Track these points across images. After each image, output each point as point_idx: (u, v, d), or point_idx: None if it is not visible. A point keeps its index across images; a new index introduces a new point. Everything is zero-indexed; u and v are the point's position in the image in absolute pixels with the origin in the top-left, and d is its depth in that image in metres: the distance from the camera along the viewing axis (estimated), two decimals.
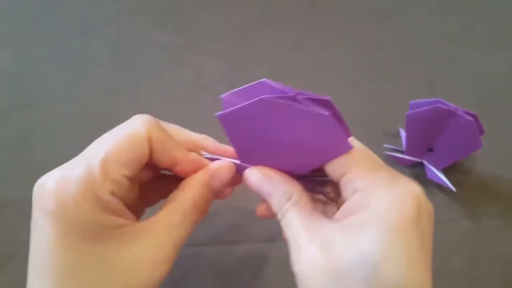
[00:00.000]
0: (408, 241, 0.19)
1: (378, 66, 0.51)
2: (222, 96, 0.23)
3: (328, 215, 0.24)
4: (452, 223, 0.39)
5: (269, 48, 0.53)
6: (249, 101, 0.22)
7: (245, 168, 0.26)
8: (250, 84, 0.23)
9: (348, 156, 0.22)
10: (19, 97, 0.49)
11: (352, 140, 0.23)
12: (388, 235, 0.19)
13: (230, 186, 0.28)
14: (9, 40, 0.55)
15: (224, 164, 0.25)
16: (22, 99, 0.49)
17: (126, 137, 0.22)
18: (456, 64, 0.51)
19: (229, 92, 0.23)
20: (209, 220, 0.39)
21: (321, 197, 0.28)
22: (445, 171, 0.40)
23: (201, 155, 0.26)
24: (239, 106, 0.22)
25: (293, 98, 0.21)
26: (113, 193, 0.21)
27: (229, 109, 0.22)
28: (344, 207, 0.22)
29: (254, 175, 0.25)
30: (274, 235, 0.38)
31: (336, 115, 0.22)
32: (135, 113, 0.25)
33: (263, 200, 0.26)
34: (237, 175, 0.26)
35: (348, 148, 0.22)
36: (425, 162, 0.41)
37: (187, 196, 0.24)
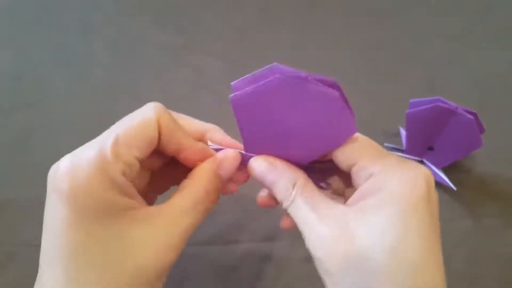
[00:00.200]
0: (421, 219, 0.20)
1: (378, 66, 0.51)
2: (232, 83, 0.24)
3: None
4: (452, 222, 0.39)
5: (269, 48, 0.53)
6: (263, 81, 0.22)
7: (249, 158, 0.26)
8: (260, 69, 0.23)
9: (357, 145, 0.23)
10: (19, 97, 0.49)
11: (357, 135, 0.24)
12: (403, 215, 0.20)
13: (235, 183, 0.28)
14: (9, 40, 0.55)
15: (230, 153, 0.26)
16: (22, 99, 0.49)
17: (136, 121, 0.23)
18: (456, 64, 0.51)
19: (239, 79, 0.24)
20: (210, 220, 0.39)
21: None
22: (445, 170, 0.40)
23: (207, 145, 0.27)
24: (253, 87, 0.23)
25: (305, 78, 0.22)
26: (124, 174, 0.22)
27: (242, 91, 0.23)
28: (357, 193, 0.23)
29: (259, 164, 0.25)
30: (275, 234, 0.38)
31: (343, 97, 0.23)
32: None
33: (268, 189, 0.26)
34: (242, 173, 0.27)
35: (353, 131, 0.23)
36: (425, 161, 0.41)
37: (198, 184, 0.24)
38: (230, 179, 0.27)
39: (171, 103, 0.50)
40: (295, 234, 0.38)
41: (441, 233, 0.38)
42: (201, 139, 0.27)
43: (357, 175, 0.23)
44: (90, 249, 0.21)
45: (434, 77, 0.50)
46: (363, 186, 0.22)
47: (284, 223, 0.27)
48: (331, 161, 0.25)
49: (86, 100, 0.48)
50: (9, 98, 0.49)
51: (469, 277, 0.36)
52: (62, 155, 0.24)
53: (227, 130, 0.30)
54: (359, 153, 0.23)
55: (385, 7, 0.57)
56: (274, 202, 0.27)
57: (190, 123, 0.27)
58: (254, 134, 0.25)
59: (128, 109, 0.27)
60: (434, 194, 0.22)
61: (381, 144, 0.43)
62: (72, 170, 0.21)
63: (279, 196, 0.24)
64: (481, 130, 0.38)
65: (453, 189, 0.39)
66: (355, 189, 0.23)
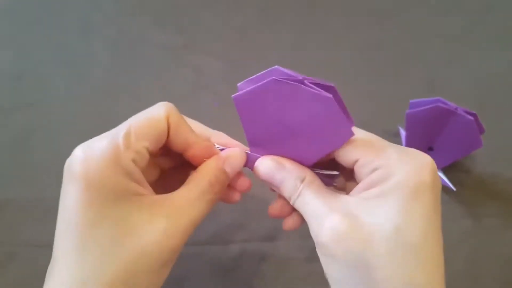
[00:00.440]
0: (425, 204, 0.22)
1: (378, 66, 0.51)
2: (238, 84, 0.25)
3: None
4: (452, 222, 0.39)
5: (269, 48, 0.53)
6: (261, 83, 0.23)
7: (254, 159, 0.27)
8: (263, 71, 0.24)
9: (359, 142, 0.24)
10: (19, 97, 0.49)
11: (355, 129, 0.24)
12: (408, 200, 0.21)
13: (238, 191, 0.29)
14: (9, 40, 0.55)
15: (236, 150, 0.27)
16: (22, 99, 0.49)
17: (147, 115, 0.25)
18: (456, 64, 0.51)
19: (245, 80, 0.25)
20: (210, 219, 0.39)
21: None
22: (445, 170, 0.40)
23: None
24: (252, 87, 0.24)
25: (301, 81, 0.23)
26: (134, 162, 0.23)
27: (243, 91, 0.24)
28: (361, 184, 0.24)
29: (267, 163, 0.26)
30: (274, 233, 0.38)
31: (339, 102, 0.23)
32: (135, 113, 0.26)
33: (275, 188, 0.27)
34: (245, 180, 0.28)
35: (349, 135, 0.24)
36: None
37: (202, 177, 0.26)
38: (233, 187, 0.29)
39: (171, 103, 0.50)
40: (295, 234, 0.38)
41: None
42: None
43: (361, 170, 0.24)
44: (99, 227, 0.22)
45: (434, 77, 0.50)
46: (367, 179, 0.23)
47: (287, 224, 0.28)
48: (332, 159, 0.26)
49: (86, 100, 0.48)
50: (9, 98, 0.49)
51: (469, 277, 0.36)
52: (62, 155, 0.24)
53: (227, 130, 0.30)
54: (362, 150, 0.24)
55: (385, 7, 0.57)
56: (286, 213, 0.28)
57: (197, 127, 0.28)
58: (257, 133, 0.26)
59: (128, 109, 0.27)
60: (438, 180, 0.23)
61: None
62: (85, 154, 0.23)
63: (287, 192, 0.25)
64: (481, 130, 0.38)
65: (452, 189, 0.39)
66: (357, 183, 0.24)
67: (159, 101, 0.26)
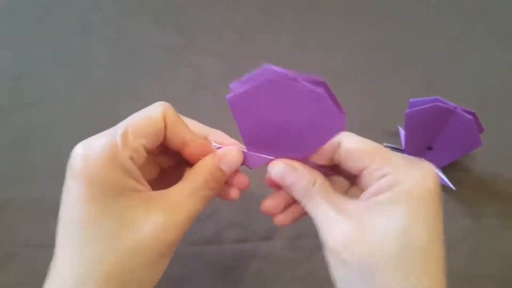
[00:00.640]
0: (429, 212, 0.23)
1: (378, 66, 0.51)
2: (230, 85, 0.25)
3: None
4: (451, 221, 0.39)
5: (269, 48, 0.53)
6: (255, 83, 0.24)
7: (251, 157, 0.27)
8: (254, 72, 0.24)
9: (368, 151, 0.25)
10: (19, 97, 0.49)
11: (361, 139, 0.25)
12: (414, 208, 0.22)
13: (236, 188, 0.29)
14: (9, 40, 0.55)
15: (233, 149, 0.28)
16: (22, 99, 0.49)
17: (144, 114, 0.26)
18: (456, 64, 0.51)
19: (236, 81, 0.25)
20: (209, 220, 0.39)
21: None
22: (445, 170, 0.40)
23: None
24: (246, 89, 0.24)
25: (294, 78, 0.23)
26: (132, 159, 0.24)
27: (237, 92, 0.24)
28: (370, 190, 0.24)
29: (279, 167, 0.27)
30: (274, 233, 0.38)
31: (330, 95, 0.24)
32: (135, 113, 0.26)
33: (286, 190, 0.27)
34: (243, 177, 0.29)
35: (342, 126, 0.24)
36: (424, 160, 0.41)
37: (198, 174, 0.26)
38: (231, 184, 0.29)
39: (171, 103, 0.50)
40: (294, 234, 0.38)
41: None
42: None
43: (369, 176, 0.25)
44: (99, 222, 0.23)
45: (434, 77, 0.50)
46: (375, 185, 0.24)
47: (278, 219, 0.28)
48: (336, 166, 0.27)
49: (86, 100, 0.48)
50: (9, 98, 0.49)
51: (469, 276, 0.36)
52: (62, 155, 0.24)
53: (227, 130, 0.30)
54: (369, 158, 0.25)
55: (385, 7, 0.57)
56: (279, 210, 0.28)
57: (195, 126, 0.29)
58: (252, 132, 0.26)
59: (128, 109, 0.27)
60: (439, 187, 0.24)
61: (381, 143, 0.43)
62: (84, 151, 0.24)
63: (298, 195, 0.26)
64: (480, 129, 0.38)
65: (452, 188, 0.39)
66: (362, 189, 0.25)
67: (159, 101, 0.26)
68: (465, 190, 0.40)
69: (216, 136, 0.29)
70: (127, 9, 0.58)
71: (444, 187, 0.39)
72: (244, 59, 0.52)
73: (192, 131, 0.27)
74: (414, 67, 0.51)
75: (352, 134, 0.26)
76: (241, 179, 0.29)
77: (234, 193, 0.30)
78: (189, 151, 0.27)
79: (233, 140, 0.29)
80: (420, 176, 0.23)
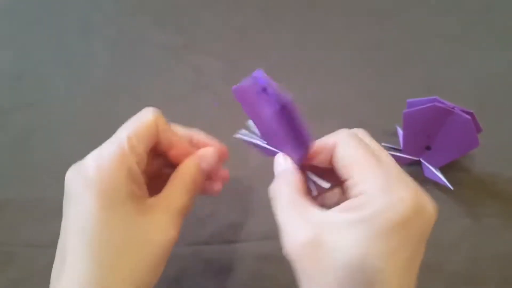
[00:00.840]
0: (389, 243, 0.21)
1: (378, 66, 0.51)
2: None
3: (326, 202, 0.27)
4: (450, 221, 0.39)
5: (269, 48, 0.53)
6: (240, 84, 0.25)
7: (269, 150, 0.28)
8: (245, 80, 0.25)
9: (351, 160, 0.24)
10: (19, 97, 0.49)
11: (356, 144, 0.25)
12: (374, 238, 0.21)
13: (219, 180, 0.33)
14: (9, 40, 0.55)
15: (209, 150, 0.31)
16: (22, 99, 0.49)
17: (141, 120, 0.27)
18: (456, 64, 0.51)
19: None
20: (208, 219, 0.39)
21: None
22: (444, 170, 0.40)
23: (237, 134, 0.30)
24: (239, 84, 0.26)
25: (263, 88, 0.24)
26: (138, 165, 0.26)
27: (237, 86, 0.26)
28: (343, 205, 0.23)
29: (277, 158, 0.28)
30: (273, 233, 0.37)
31: (289, 114, 0.24)
32: (135, 113, 0.27)
33: None
34: (223, 171, 0.32)
35: (309, 141, 0.25)
36: (422, 160, 0.41)
37: (184, 174, 0.29)
38: (213, 178, 0.32)
39: (171, 103, 0.51)
40: None
41: (440, 232, 0.38)
42: (189, 142, 0.31)
43: (350, 189, 0.24)
44: (113, 230, 0.24)
45: (434, 77, 0.50)
46: (348, 202, 0.23)
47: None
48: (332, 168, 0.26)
49: (86, 100, 0.48)
50: (9, 98, 0.49)
51: (468, 275, 0.36)
52: (62, 155, 0.24)
53: (227, 130, 0.30)
54: (356, 169, 0.24)
55: (385, 7, 0.57)
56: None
57: (178, 129, 0.31)
58: (259, 126, 0.28)
59: (128, 109, 0.27)
60: (419, 217, 0.22)
61: (379, 143, 0.43)
62: (97, 162, 0.25)
63: (272, 189, 0.26)
64: (478, 129, 0.38)
65: (450, 188, 0.39)
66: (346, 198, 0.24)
67: (159, 101, 0.27)
68: (465, 190, 0.40)
69: (197, 135, 0.32)
70: (127, 9, 0.58)
71: (443, 187, 0.39)
72: (244, 59, 0.52)
73: (177, 134, 0.30)
74: (414, 67, 0.51)
75: (352, 136, 0.25)
76: (222, 173, 0.33)
77: (217, 186, 0.33)
78: (175, 152, 0.29)
79: (212, 141, 0.32)
80: (391, 203, 0.21)
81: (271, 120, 0.24)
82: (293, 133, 0.24)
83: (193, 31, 0.55)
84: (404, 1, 0.58)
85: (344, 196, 0.27)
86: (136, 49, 0.53)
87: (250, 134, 0.30)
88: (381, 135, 0.44)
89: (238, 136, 0.30)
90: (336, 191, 0.28)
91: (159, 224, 0.26)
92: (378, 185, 0.22)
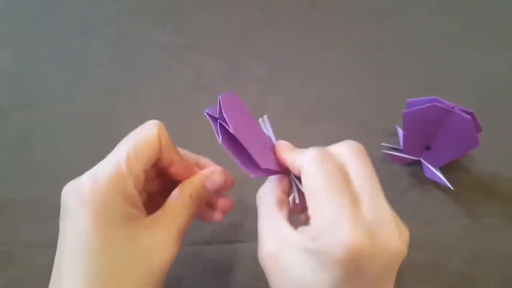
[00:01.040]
0: (335, 280, 0.21)
1: (378, 66, 0.51)
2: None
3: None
4: (450, 221, 0.39)
5: (269, 48, 0.53)
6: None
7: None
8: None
9: (309, 189, 0.24)
10: (19, 97, 0.49)
11: (316, 171, 0.24)
12: (322, 272, 0.21)
13: (221, 211, 0.32)
14: (9, 40, 0.55)
15: (217, 169, 0.30)
16: (22, 99, 0.49)
17: (143, 137, 0.27)
18: (456, 64, 0.51)
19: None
20: None
21: None
22: (444, 170, 0.40)
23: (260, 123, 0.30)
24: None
25: (215, 119, 0.26)
26: (135, 187, 0.26)
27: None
28: (307, 229, 0.23)
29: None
30: None
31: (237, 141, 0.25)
32: (135, 113, 0.27)
33: None
34: (227, 201, 0.32)
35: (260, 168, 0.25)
36: (422, 160, 0.41)
37: (185, 191, 0.29)
38: (215, 207, 0.32)
39: (171, 103, 0.51)
40: None
41: (440, 232, 0.38)
42: (196, 165, 0.31)
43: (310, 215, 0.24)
44: (108, 250, 0.24)
45: (434, 77, 0.50)
46: (309, 228, 0.23)
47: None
48: None
49: (86, 100, 0.48)
50: (9, 98, 0.49)
51: (468, 275, 0.36)
52: (62, 155, 0.24)
53: None
54: (309, 198, 0.23)
55: (385, 7, 0.57)
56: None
57: (185, 153, 0.31)
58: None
59: (128, 109, 0.27)
60: (372, 259, 0.21)
61: (379, 143, 0.44)
62: (93, 182, 0.25)
63: (260, 192, 0.27)
64: (478, 129, 0.38)
65: (450, 188, 0.39)
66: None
67: (159, 101, 0.26)
68: (465, 190, 0.40)
69: (204, 161, 0.32)
70: (127, 9, 0.58)
71: (442, 187, 0.40)
72: (244, 59, 0.52)
73: (178, 151, 0.29)
74: (414, 67, 0.51)
75: (314, 161, 0.24)
76: (225, 203, 0.32)
77: (217, 215, 0.32)
78: (176, 169, 0.29)
79: (219, 167, 0.31)
80: (332, 243, 0.21)
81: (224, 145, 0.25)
82: (245, 156, 0.25)
83: (193, 31, 0.55)
84: (404, 1, 0.58)
85: None
86: (136, 49, 0.53)
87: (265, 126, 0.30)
88: (381, 135, 0.44)
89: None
90: None
91: (159, 241, 0.26)
92: (325, 223, 0.22)
